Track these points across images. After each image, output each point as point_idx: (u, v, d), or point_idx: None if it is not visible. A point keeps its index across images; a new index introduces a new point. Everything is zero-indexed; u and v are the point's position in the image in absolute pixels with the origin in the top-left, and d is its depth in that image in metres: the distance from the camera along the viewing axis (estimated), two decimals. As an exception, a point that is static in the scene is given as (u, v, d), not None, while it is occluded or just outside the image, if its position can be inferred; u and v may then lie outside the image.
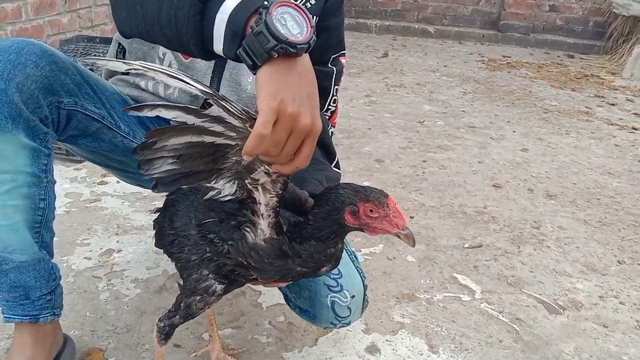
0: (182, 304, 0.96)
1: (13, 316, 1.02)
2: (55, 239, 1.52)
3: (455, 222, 1.87)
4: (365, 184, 2.09)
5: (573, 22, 5.14)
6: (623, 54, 4.45)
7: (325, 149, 1.13)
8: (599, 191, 2.18)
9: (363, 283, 1.07)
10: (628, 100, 3.53)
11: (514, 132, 2.81)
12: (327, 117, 1.19)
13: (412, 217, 1.88)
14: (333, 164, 1.14)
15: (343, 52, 1.18)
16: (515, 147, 2.60)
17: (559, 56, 4.79)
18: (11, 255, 0.96)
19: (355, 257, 1.12)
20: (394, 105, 3.13)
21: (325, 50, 1.14)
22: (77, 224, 1.70)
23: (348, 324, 1.09)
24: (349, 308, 1.05)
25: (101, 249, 1.58)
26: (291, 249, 0.82)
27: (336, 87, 1.17)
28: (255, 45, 0.69)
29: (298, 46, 0.69)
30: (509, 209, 1.98)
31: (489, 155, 2.47)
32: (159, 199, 1.88)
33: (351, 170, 2.23)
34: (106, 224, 1.71)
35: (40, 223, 0.98)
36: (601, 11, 4.99)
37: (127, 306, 1.36)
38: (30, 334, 1.04)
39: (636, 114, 3.24)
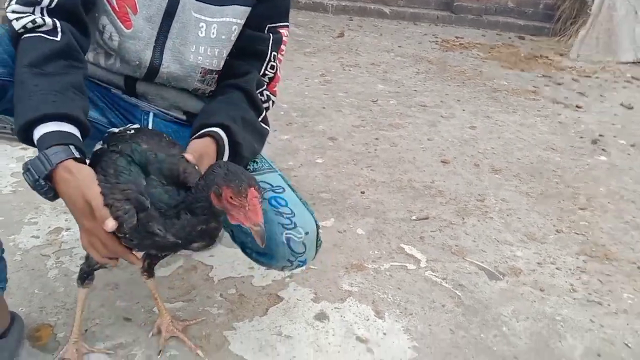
0: (87, 256, 1.05)
1: None
2: (1, 218, 1.50)
3: (404, 196, 1.93)
4: (319, 161, 2.13)
5: (524, 4, 5.27)
6: (570, 36, 4.61)
7: (249, 98, 1.15)
8: (541, 165, 2.28)
9: (315, 223, 1.13)
10: (573, 80, 3.67)
11: (463, 110, 2.89)
12: (266, 83, 1.20)
13: (363, 192, 1.93)
14: (260, 117, 1.17)
15: (284, 24, 1.20)
16: (464, 125, 2.68)
17: (510, 38, 4.92)
18: None
19: (306, 202, 1.16)
20: (348, 84, 3.16)
21: (262, 19, 1.16)
22: (24, 203, 1.67)
23: (304, 262, 1.13)
24: (304, 244, 1.10)
25: (49, 227, 1.56)
26: (162, 224, 0.86)
27: (274, 53, 1.18)
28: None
29: None
30: (455, 184, 2.05)
31: (439, 133, 2.55)
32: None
33: (304, 147, 2.25)
34: (54, 203, 1.68)
35: None
36: (553, -6, 5.14)
37: (75, 283, 1.35)
38: None
39: (580, 93, 3.38)
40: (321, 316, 1.31)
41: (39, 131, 0.87)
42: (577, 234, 1.78)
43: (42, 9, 0.94)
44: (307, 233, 1.10)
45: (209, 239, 0.91)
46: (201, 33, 1.11)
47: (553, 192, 2.05)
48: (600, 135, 2.67)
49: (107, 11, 1.07)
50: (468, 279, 1.50)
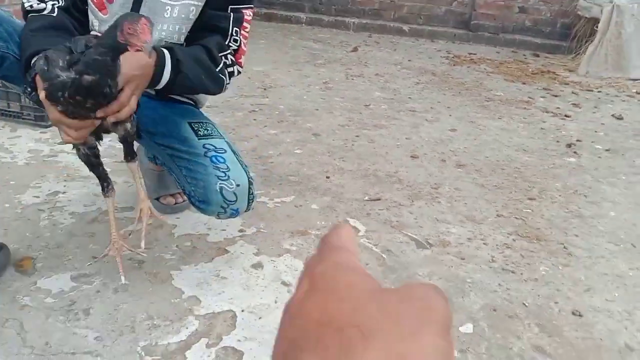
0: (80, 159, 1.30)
1: None
2: (12, 182, 1.81)
3: (365, 182, 2.14)
4: (297, 152, 2.36)
5: (541, 23, 5.39)
6: (581, 53, 4.70)
7: (207, 51, 1.37)
8: (507, 163, 2.44)
9: (247, 176, 1.38)
10: (573, 93, 3.78)
11: (450, 115, 3.07)
12: (232, 54, 1.42)
13: (328, 177, 2.15)
14: (217, 69, 1.39)
15: (247, 6, 1.42)
16: (445, 128, 2.86)
17: (524, 55, 5.04)
18: None
19: (244, 164, 1.41)
20: (347, 91, 3.40)
21: (225, 1, 1.39)
22: (34, 173, 1.98)
23: (236, 210, 1.38)
24: (235, 194, 1.35)
25: (49, 190, 1.87)
26: (65, 65, 1.07)
27: (235, 29, 1.40)
28: None
29: None
30: (416, 174, 2.24)
31: (418, 134, 2.74)
32: (107, 157, 2.16)
33: (288, 140, 2.50)
34: (58, 173, 1.99)
35: None
36: (567, 13, 5.25)
37: (61, 230, 1.64)
38: None
39: (574, 104, 3.49)
40: (257, 265, 1.54)
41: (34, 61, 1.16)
42: (517, 218, 1.94)
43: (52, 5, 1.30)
44: (238, 185, 1.36)
45: (108, 77, 1.10)
46: (166, 14, 1.38)
47: (508, 185, 2.21)
48: (578, 141, 2.78)
49: (89, 4, 1.37)
50: (397, 247, 1.69)
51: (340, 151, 2.43)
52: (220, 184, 1.35)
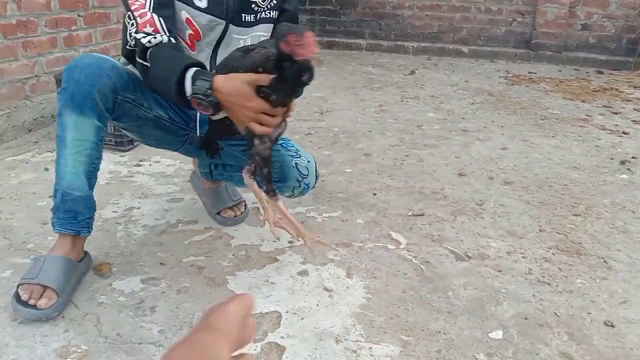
0: (256, 157, 1.46)
1: (62, 229, 1.57)
2: (95, 198, 2.08)
3: (411, 198, 2.25)
4: (348, 171, 2.51)
5: (606, 39, 5.28)
6: (648, 69, 4.56)
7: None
8: (555, 180, 2.46)
9: (314, 159, 1.70)
10: (635, 109, 3.70)
11: (502, 134, 3.11)
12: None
13: (375, 194, 2.28)
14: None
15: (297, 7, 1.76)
16: (496, 146, 2.91)
17: (587, 72, 4.96)
18: (72, 192, 1.54)
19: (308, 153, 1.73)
20: (401, 113, 3.52)
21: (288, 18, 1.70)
22: (113, 191, 2.25)
23: (308, 186, 1.67)
24: (307, 168, 1.66)
25: (126, 206, 2.12)
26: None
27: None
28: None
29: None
30: (462, 191, 2.33)
31: (468, 152, 2.81)
32: (177, 177, 2.41)
33: (339, 160, 2.65)
34: (134, 192, 2.25)
35: (92, 172, 1.58)
36: (634, 28, 5.12)
37: (134, 240, 1.87)
38: (71, 241, 1.58)
39: (635, 121, 3.42)
40: (302, 273, 1.69)
41: (189, 74, 1.33)
42: (559, 233, 1.97)
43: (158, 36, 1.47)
44: (309, 161, 1.68)
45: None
46: (240, 44, 1.63)
47: (554, 201, 2.24)
48: (633, 158, 2.75)
49: (180, 41, 1.60)
50: (436, 259, 1.79)
51: (388, 170, 2.55)
52: (294, 160, 1.65)
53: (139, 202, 2.15)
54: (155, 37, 1.43)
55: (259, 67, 1.31)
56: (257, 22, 1.64)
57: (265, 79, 1.30)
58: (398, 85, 4.34)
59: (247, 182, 1.56)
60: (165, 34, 1.45)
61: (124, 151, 2.70)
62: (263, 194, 1.51)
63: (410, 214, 2.11)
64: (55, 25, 3.03)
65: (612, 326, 1.47)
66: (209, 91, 1.31)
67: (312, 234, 1.52)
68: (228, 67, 1.38)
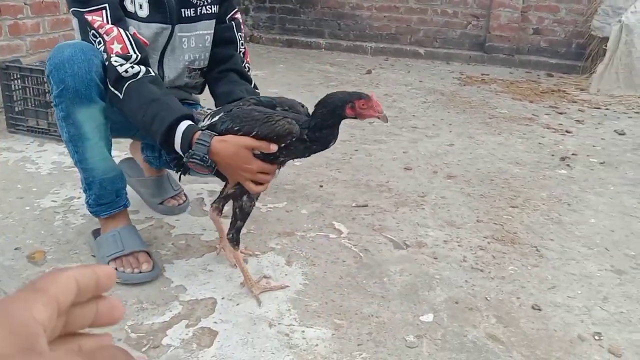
0: (237, 210, 1.48)
1: (112, 210, 1.60)
2: (34, 189, 2.02)
3: (356, 191, 2.28)
4: (296, 164, 2.52)
5: (556, 44, 5.47)
6: (593, 72, 4.74)
7: (241, 75, 1.70)
8: (497, 175, 2.54)
9: None
10: (579, 110, 3.84)
11: (450, 132, 3.19)
12: (242, 55, 1.74)
13: (321, 186, 2.30)
14: (252, 85, 1.71)
15: (235, 9, 1.73)
16: (444, 143, 2.98)
17: (538, 75, 5.12)
18: (108, 175, 1.55)
19: None
20: (354, 110, 3.56)
21: (224, 15, 1.69)
22: (54, 181, 2.21)
23: None
24: None
25: (66, 196, 2.08)
26: (311, 139, 1.33)
27: (240, 34, 1.73)
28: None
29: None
30: (406, 184, 2.37)
31: (416, 148, 2.87)
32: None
33: (289, 154, 2.66)
34: (75, 182, 2.20)
35: (111, 146, 1.57)
36: (582, 33, 5.31)
37: (72, 229, 1.84)
38: (123, 215, 1.63)
39: (578, 121, 3.55)
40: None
41: (180, 128, 1.35)
42: (496, 224, 2.04)
43: (132, 62, 1.42)
44: None
45: (334, 139, 1.38)
46: (184, 45, 1.61)
47: (493, 194, 2.31)
48: (573, 154, 2.86)
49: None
50: (375, 247, 1.82)
51: (337, 163, 2.58)
52: None
53: (79, 192, 2.11)
54: (132, 67, 1.40)
55: (275, 136, 1.31)
56: (199, 17, 1.62)
57: (268, 148, 1.31)
58: (354, 83, 4.38)
59: (212, 218, 1.59)
60: (136, 53, 1.42)
61: (69, 142, 2.64)
62: (224, 230, 1.58)
63: (354, 205, 2.13)
64: (-1, 13, 2.95)
65: (540, 309, 1.53)
66: (207, 156, 1.32)
67: (258, 285, 1.53)
68: (243, 125, 1.34)
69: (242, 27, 1.77)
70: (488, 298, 1.57)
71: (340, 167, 2.53)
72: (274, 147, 1.31)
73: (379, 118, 1.30)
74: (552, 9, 5.41)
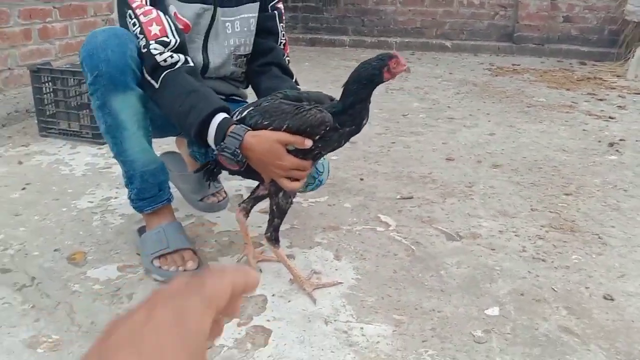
0: (274, 208, 1.42)
1: (155, 205, 1.54)
2: (69, 190, 1.97)
3: (399, 183, 2.19)
4: (334, 158, 2.44)
5: (587, 31, 5.30)
6: (630, 58, 4.57)
7: (283, 70, 1.63)
8: (545, 162, 2.42)
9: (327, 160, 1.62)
10: (619, 96, 3.69)
11: (488, 121, 3.07)
12: (282, 48, 1.66)
13: (362, 179, 2.21)
14: (293, 80, 1.64)
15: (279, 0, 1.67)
16: (484, 132, 2.86)
17: (570, 64, 4.96)
18: (149, 167, 1.48)
19: None
20: (385, 103, 3.47)
21: (266, 3, 1.62)
22: (89, 182, 2.16)
23: (321, 182, 1.59)
24: (323, 165, 1.59)
25: (102, 197, 2.03)
26: (342, 123, 1.27)
27: (281, 25, 1.66)
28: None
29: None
30: (451, 174, 2.27)
31: (455, 138, 2.76)
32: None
33: (325, 149, 2.58)
34: (111, 182, 2.16)
35: (151, 137, 1.50)
36: (615, 19, 5.13)
37: (111, 229, 1.78)
38: (168, 210, 1.57)
39: (620, 106, 3.40)
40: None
41: (216, 120, 1.28)
42: (551, 212, 1.92)
43: (170, 48, 1.36)
44: (324, 159, 1.57)
45: (367, 114, 1.31)
46: (228, 30, 1.55)
47: (544, 182, 2.19)
48: (621, 140, 2.72)
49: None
50: (427, 239, 1.73)
51: (375, 156, 2.49)
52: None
53: (116, 192, 2.06)
54: (171, 56, 1.34)
55: (308, 128, 1.24)
56: (241, 1, 1.56)
57: (303, 143, 1.25)
58: (382, 78, 4.28)
59: (238, 219, 1.52)
60: (175, 37, 1.36)
61: (102, 144, 2.60)
62: (249, 233, 1.54)
63: (398, 197, 2.04)
64: (29, 17, 2.93)
65: (612, 299, 1.42)
66: (238, 150, 1.25)
67: (309, 282, 1.45)
68: (273, 119, 1.27)
69: (283, 17, 1.69)
70: (555, 289, 1.47)
71: (379, 160, 2.44)
72: (308, 143, 1.24)
73: (407, 71, 1.27)
74: (583, -5, 5.24)
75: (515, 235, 1.76)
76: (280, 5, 1.67)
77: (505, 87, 3.97)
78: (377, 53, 1.32)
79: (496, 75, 4.39)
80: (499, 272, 1.55)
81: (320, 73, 4.48)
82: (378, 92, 3.66)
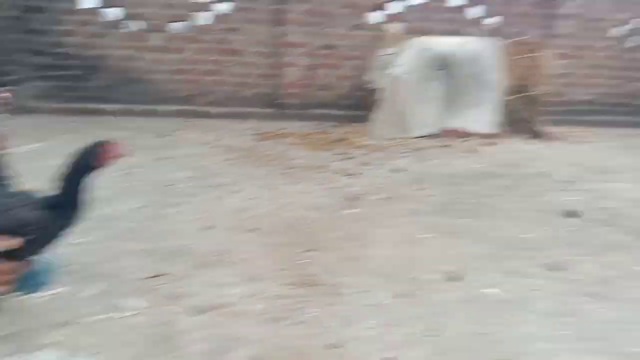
0: None
1: None
2: None
3: (153, 259, 2.13)
4: (81, 240, 2.27)
5: (341, 97, 5.99)
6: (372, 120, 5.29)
7: None
8: (299, 222, 2.61)
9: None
10: (364, 154, 4.21)
11: (253, 185, 3.22)
12: None
13: (110, 262, 2.10)
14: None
15: None
16: (248, 197, 2.99)
17: (327, 126, 5.51)
18: None
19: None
20: (150, 174, 3.40)
21: None
22: None
23: (44, 282, 1.60)
24: (47, 264, 1.53)
25: None
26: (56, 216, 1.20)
27: None
28: None
29: None
30: (207, 244, 2.30)
31: (221, 205, 2.83)
32: None
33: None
34: None
35: None
36: (361, 87, 5.92)
37: None
38: None
39: (365, 163, 3.88)
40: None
41: None
42: (296, 269, 2.07)
43: None
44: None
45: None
46: None
47: (295, 241, 2.36)
48: (362, 194, 3.09)
49: None
50: (173, 317, 1.70)
51: (131, 234, 2.40)
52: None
53: None
54: None
55: (15, 227, 1.19)
56: None
57: (8, 245, 1.19)
58: (152, 147, 4.21)
59: None
60: None
61: None
62: None
63: (149, 276, 1.98)
64: None
65: (338, 347, 1.55)
66: None
67: None
68: None
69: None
70: (290, 346, 1.55)
71: (135, 237, 2.36)
72: (14, 242, 1.16)
73: (120, 157, 1.35)
74: (336, 65, 5.95)
75: (262, 298, 1.84)
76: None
77: (270, 150, 4.23)
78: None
79: (262, 140, 4.66)
80: (239, 339, 1.59)
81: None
82: (145, 162, 3.62)
